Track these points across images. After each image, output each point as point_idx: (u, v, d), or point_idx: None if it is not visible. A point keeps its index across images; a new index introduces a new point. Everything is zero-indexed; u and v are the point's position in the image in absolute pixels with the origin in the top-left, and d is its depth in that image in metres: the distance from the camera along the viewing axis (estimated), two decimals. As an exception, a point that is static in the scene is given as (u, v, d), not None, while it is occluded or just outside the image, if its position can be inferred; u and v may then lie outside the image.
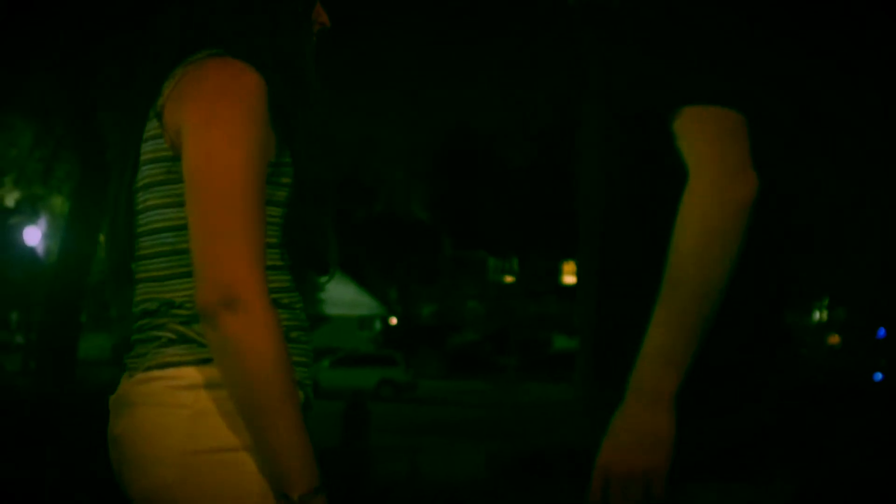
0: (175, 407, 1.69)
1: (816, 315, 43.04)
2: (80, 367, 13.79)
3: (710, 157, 1.69)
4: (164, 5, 1.85)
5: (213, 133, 1.67)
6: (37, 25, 12.43)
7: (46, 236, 23.81)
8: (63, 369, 12.84)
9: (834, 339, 40.58)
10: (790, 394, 1.79)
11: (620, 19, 1.80)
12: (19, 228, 24.80)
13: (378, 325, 49.08)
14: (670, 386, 1.69)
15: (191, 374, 1.70)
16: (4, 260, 28.25)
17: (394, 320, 48.95)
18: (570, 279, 53.68)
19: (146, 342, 1.76)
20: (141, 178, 1.79)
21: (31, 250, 25.29)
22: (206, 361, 1.70)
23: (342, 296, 43.06)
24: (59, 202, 19.60)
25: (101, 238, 1.95)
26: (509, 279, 54.23)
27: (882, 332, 33.91)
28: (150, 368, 1.73)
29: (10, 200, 21.08)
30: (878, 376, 26.09)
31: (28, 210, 23.06)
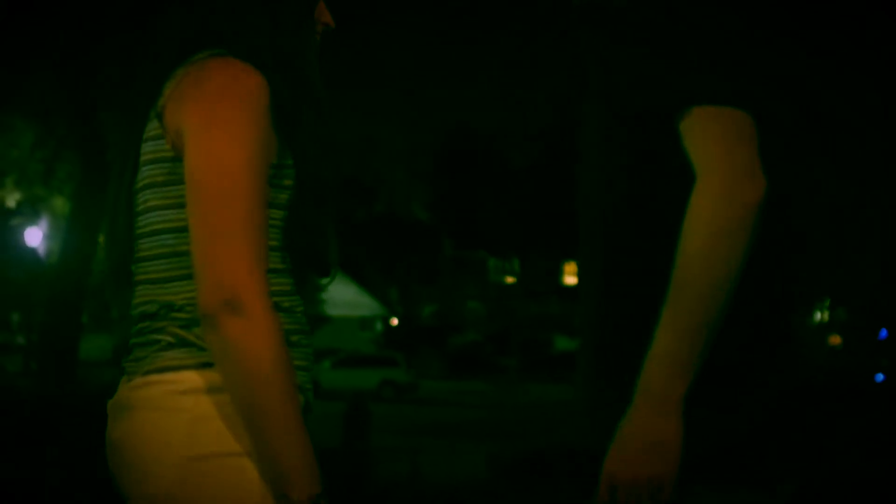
0: (174, 411, 1.68)
1: (817, 315, 43.00)
2: (81, 368, 13.81)
3: (720, 158, 1.67)
4: (164, 5, 1.84)
5: (215, 134, 1.65)
6: (37, 25, 12.42)
7: (48, 237, 23.80)
8: (64, 370, 12.85)
9: (835, 339, 40.52)
10: (790, 394, 1.78)
11: (621, 19, 1.80)
12: (20, 229, 24.79)
13: (379, 325, 49.07)
14: (679, 389, 1.68)
15: (190, 378, 1.69)
16: (5, 261, 28.25)
17: (395, 321, 48.93)
18: (571, 280, 53.69)
19: (145, 346, 1.75)
20: (141, 178, 1.77)
21: (33, 251, 25.28)
22: (205, 365, 1.68)
23: (343, 296, 43.07)
24: (60, 203, 19.59)
25: (101, 239, 1.92)
26: (510, 279, 54.22)
27: (884, 332, 33.87)
28: (149, 372, 1.72)
29: (12, 201, 21.07)
30: (880, 377, 26.05)
31: (29, 211, 23.06)
